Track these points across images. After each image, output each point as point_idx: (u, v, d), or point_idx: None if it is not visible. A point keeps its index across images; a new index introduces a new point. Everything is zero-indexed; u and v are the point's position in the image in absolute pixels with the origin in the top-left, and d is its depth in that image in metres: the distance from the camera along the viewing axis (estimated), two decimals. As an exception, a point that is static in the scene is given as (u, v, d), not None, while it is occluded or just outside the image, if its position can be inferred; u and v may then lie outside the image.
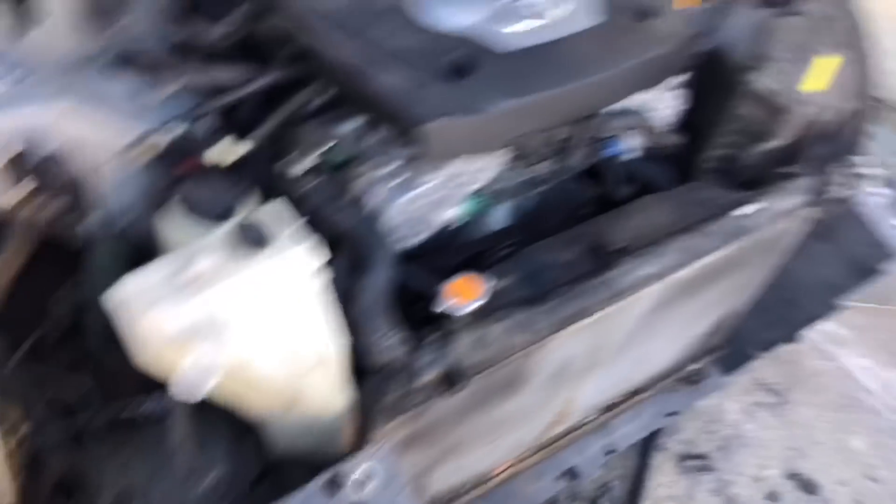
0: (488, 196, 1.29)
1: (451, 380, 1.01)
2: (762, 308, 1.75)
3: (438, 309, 0.99)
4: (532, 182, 1.34)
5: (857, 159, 1.52)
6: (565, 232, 1.30)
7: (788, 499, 1.95)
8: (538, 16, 1.16)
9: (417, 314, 1.04)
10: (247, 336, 0.86)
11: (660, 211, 1.36)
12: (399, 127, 1.02)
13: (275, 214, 0.90)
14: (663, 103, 1.41)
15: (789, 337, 1.84)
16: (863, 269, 1.49)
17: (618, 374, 1.60)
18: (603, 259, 1.21)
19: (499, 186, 1.27)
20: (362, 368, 1.00)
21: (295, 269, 0.87)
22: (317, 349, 0.94)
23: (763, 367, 2.21)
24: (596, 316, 1.15)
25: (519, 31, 1.14)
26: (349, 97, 1.06)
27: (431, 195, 1.15)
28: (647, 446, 2.01)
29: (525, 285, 1.16)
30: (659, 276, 1.20)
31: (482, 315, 1.02)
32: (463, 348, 1.01)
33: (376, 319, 0.99)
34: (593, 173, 1.49)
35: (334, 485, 0.94)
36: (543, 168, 1.32)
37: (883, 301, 2.39)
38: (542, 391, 1.34)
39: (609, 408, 1.75)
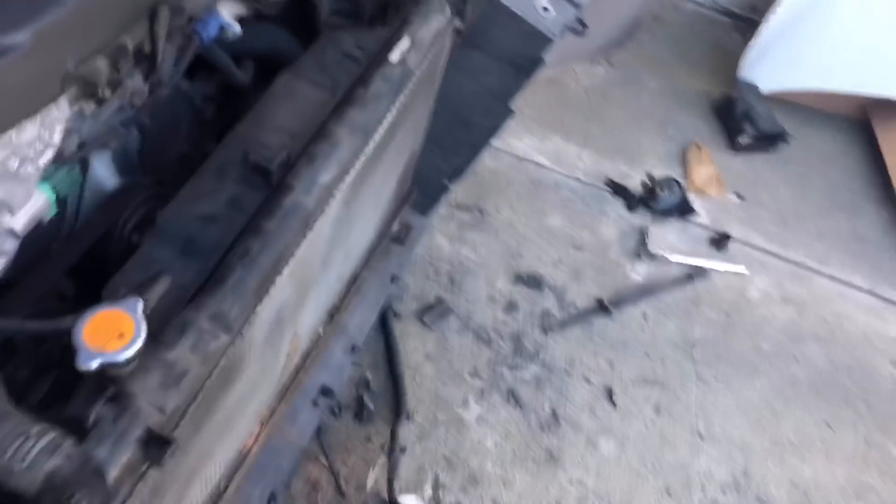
0: (72, 160, 0.91)
1: (155, 445, 0.70)
2: (439, 138, 1.62)
3: (85, 367, 0.66)
4: (129, 113, 0.97)
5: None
6: (208, 161, 0.98)
7: (524, 305, 1.97)
8: None
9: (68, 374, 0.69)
10: None
11: (306, 88, 1.08)
12: None
13: None
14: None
15: (474, 155, 1.77)
16: (525, 63, 1.38)
17: (332, 280, 1.38)
18: (272, 181, 0.92)
19: (79, 143, 0.88)
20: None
21: None
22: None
23: (454, 191, 2.14)
24: (295, 257, 0.88)
25: None
26: None
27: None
28: (385, 322, 1.87)
29: (189, 261, 0.84)
30: (343, 174, 0.95)
31: (153, 340, 0.71)
32: (150, 399, 0.70)
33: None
34: (208, 65, 1.15)
35: None
36: (136, 90, 0.95)
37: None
38: (265, 354, 1.08)
39: (334, 311, 1.55)
